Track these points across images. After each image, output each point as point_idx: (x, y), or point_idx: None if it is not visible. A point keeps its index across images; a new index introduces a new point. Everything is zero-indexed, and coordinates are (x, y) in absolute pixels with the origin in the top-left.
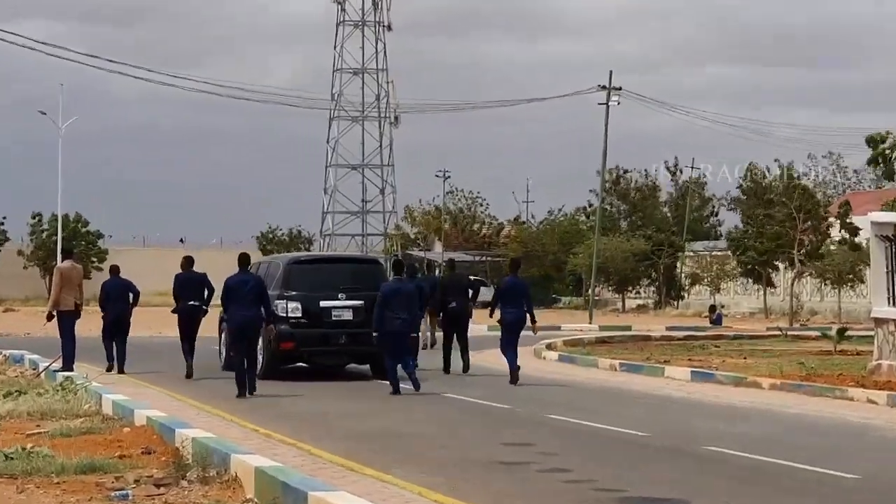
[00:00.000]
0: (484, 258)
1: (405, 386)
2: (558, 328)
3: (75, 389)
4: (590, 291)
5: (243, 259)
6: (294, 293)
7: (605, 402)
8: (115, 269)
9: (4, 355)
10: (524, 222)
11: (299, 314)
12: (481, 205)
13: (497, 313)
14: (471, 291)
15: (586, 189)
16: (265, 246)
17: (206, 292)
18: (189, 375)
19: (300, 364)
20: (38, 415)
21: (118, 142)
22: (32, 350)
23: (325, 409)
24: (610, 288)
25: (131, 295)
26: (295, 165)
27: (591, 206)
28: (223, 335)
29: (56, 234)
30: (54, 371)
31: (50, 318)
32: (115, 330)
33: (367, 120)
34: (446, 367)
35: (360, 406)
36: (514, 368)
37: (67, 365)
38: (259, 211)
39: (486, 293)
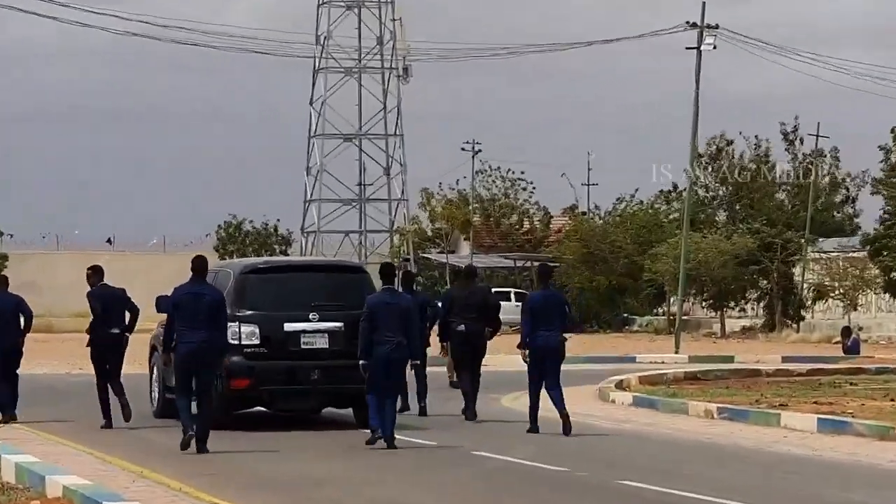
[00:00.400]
0: (527, 263)
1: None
2: (632, 360)
3: None
4: (676, 308)
5: (199, 265)
6: (250, 313)
7: (698, 462)
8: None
9: None
10: (583, 213)
11: (257, 341)
12: (524, 189)
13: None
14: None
15: (670, 168)
16: (225, 246)
17: (127, 315)
18: (127, 418)
19: (259, 408)
20: None
21: (19, 111)
22: None
23: (308, 471)
24: (703, 304)
25: (22, 317)
26: (266, 136)
27: (676, 190)
28: (154, 370)
29: None
30: None
31: None
32: (2, 364)
33: (366, 72)
34: (468, 410)
35: (353, 466)
36: (563, 411)
37: None
38: (217, 199)
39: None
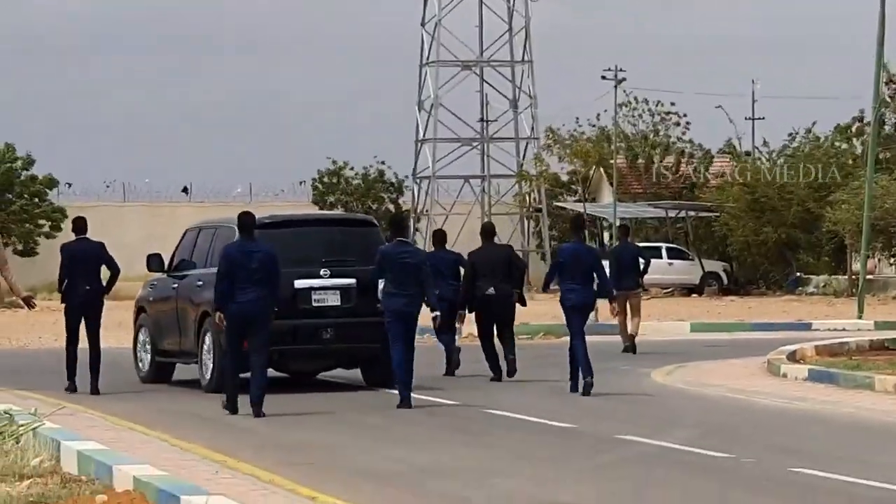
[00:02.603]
0: (681, 213)
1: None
2: (807, 327)
3: (17, 433)
4: (859, 266)
5: (248, 221)
6: None
7: (887, 447)
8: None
9: None
10: (747, 153)
11: None
12: (676, 124)
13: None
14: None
15: (853, 98)
16: (324, 196)
17: (107, 271)
18: (94, 391)
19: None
20: None
21: (77, 37)
22: None
23: (411, 458)
24: (893, 260)
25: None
26: (369, 65)
27: (862, 123)
28: (140, 332)
29: None
30: None
31: None
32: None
33: None
34: (495, 371)
35: (463, 452)
36: (585, 368)
37: None
38: (313, 141)
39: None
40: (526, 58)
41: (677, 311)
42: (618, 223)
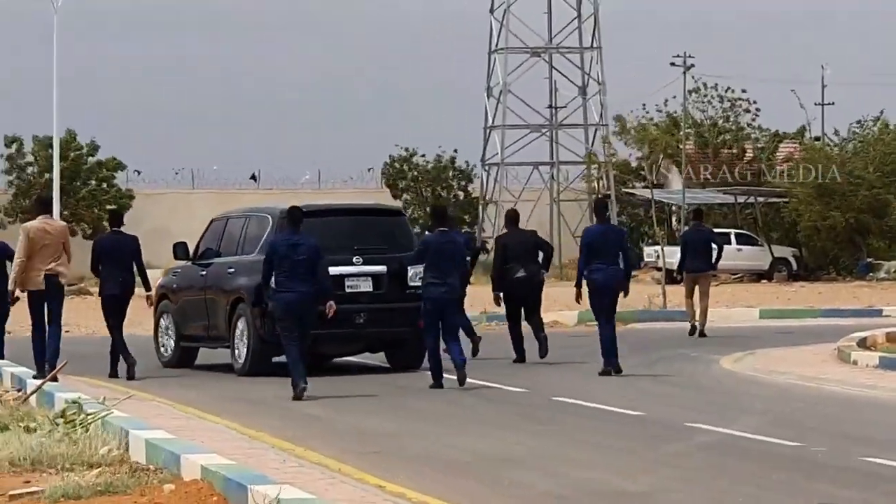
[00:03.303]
0: (750, 199)
1: (482, 382)
2: (878, 313)
3: (86, 422)
4: None
5: (296, 214)
6: None
7: None
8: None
9: None
10: (816, 139)
11: None
12: (746, 111)
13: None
14: (541, 254)
15: None
16: (395, 182)
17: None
18: (131, 376)
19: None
20: (29, 463)
21: (147, 26)
22: (16, 359)
23: (481, 447)
24: None
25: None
26: (438, 52)
27: None
28: (162, 318)
29: (50, 170)
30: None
31: (13, 299)
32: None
33: None
34: (519, 354)
35: (531, 439)
36: (611, 352)
37: (40, 372)
38: (382, 128)
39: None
40: (595, 44)
41: (746, 298)
42: (687, 209)
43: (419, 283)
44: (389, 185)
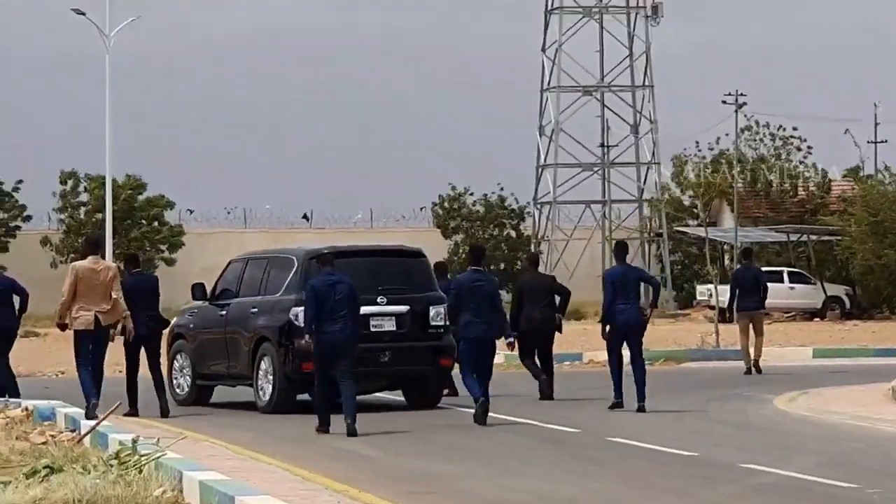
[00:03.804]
0: (802, 237)
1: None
2: None
3: (140, 463)
4: None
5: (329, 258)
6: None
7: None
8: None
9: (27, 409)
10: (869, 176)
11: None
12: (798, 149)
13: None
14: (558, 298)
15: None
16: (446, 222)
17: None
18: (165, 413)
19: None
20: None
21: (202, 60)
22: (69, 399)
23: (540, 489)
24: None
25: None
26: (490, 90)
27: None
28: (178, 357)
29: (104, 210)
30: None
31: (62, 328)
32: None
33: (608, 12)
34: (545, 390)
35: (590, 482)
36: (641, 390)
37: (89, 412)
38: (433, 166)
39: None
40: (646, 83)
41: (799, 337)
42: (739, 247)
43: (440, 323)
44: (441, 224)
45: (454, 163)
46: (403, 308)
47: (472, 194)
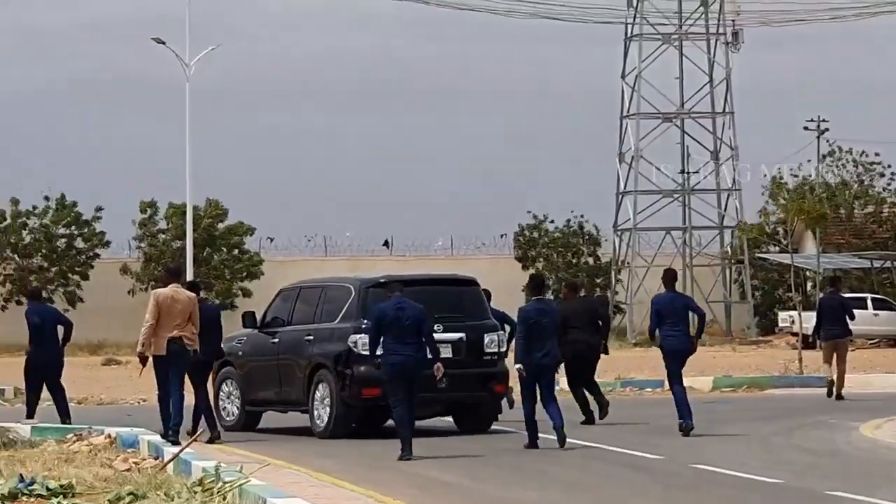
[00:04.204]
0: (886, 263)
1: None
2: None
3: (223, 490)
4: None
5: (396, 285)
6: None
7: None
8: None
9: (110, 436)
10: None
11: None
12: (881, 175)
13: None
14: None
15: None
16: (526, 251)
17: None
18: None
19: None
20: None
21: (280, 88)
22: (152, 426)
23: None
24: None
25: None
26: (569, 117)
27: None
28: (224, 385)
29: (184, 237)
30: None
31: (143, 361)
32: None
33: (688, 39)
34: (586, 414)
35: (629, 496)
36: (685, 412)
37: (171, 435)
38: (513, 193)
39: None
40: (727, 109)
41: (884, 363)
42: (822, 273)
43: (494, 350)
44: (520, 257)
45: (535, 190)
46: (459, 335)
47: (552, 221)
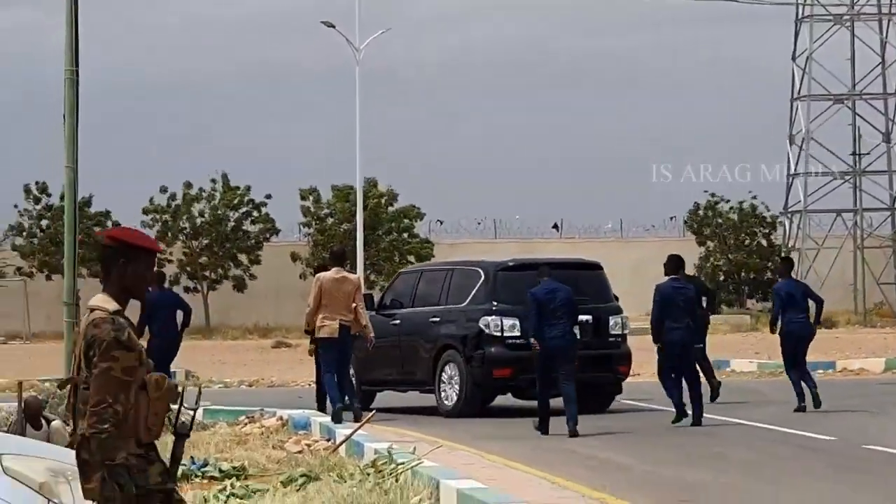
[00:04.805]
0: None
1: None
2: None
3: (396, 472)
4: None
5: (545, 268)
6: (511, 307)
7: None
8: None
9: (282, 418)
10: None
11: (517, 333)
12: None
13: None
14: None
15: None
16: (699, 229)
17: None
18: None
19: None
20: None
21: (449, 71)
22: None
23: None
24: None
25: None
26: (739, 99)
27: None
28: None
29: (348, 221)
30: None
31: (311, 334)
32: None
33: (859, 19)
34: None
35: (800, 476)
36: (811, 388)
37: (336, 416)
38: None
39: None
40: None
41: None
42: None
43: (619, 332)
44: (694, 232)
45: (704, 172)
46: (585, 318)
47: (727, 201)
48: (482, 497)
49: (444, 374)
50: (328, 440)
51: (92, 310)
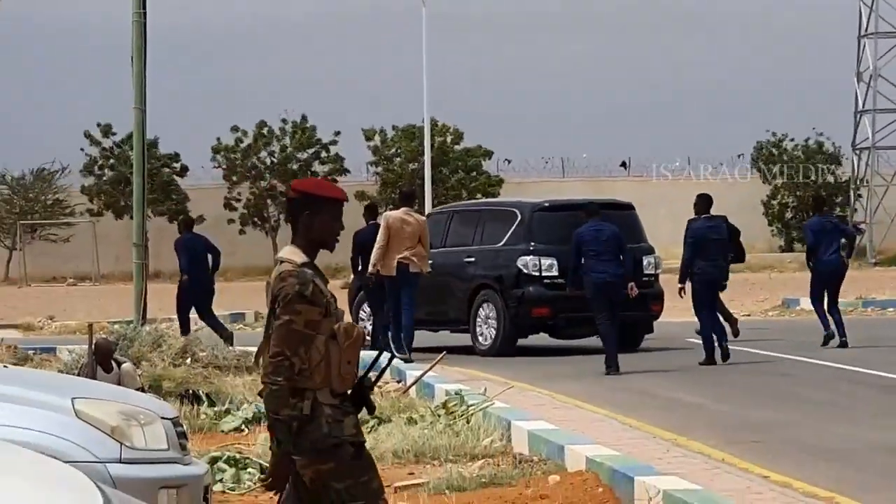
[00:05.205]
0: None
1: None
2: None
3: (467, 413)
4: None
5: (594, 208)
6: (548, 247)
7: None
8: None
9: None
10: None
11: (555, 273)
12: None
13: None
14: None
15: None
16: (767, 164)
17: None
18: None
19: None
20: (412, 455)
21: (516, 14)
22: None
23: (861, 435)
24: None
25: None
26: (807, 37)
27: None
28: (363, 310)
29: (414, 160)
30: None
31: (372, 280)
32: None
33: None
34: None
35: (872, 415)
36: (840, 326)
37: (400, 350)
38: (751, 113)
39: None
40: None
41: None
42: None
43: (652, 272)
44: (759, 170)
45: (773, 110)
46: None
47: (792, 139)
48: (553, 438)
49: (480, 313)
50: (399, 382)
51: (280, 262)
